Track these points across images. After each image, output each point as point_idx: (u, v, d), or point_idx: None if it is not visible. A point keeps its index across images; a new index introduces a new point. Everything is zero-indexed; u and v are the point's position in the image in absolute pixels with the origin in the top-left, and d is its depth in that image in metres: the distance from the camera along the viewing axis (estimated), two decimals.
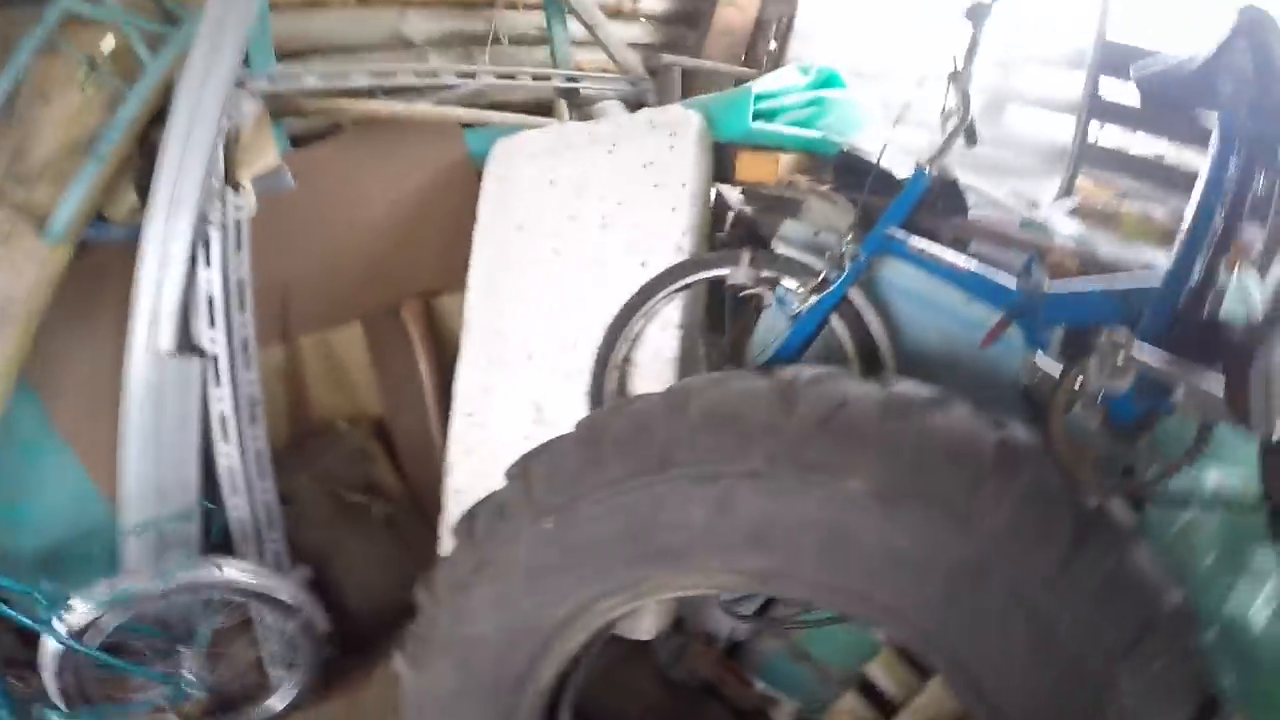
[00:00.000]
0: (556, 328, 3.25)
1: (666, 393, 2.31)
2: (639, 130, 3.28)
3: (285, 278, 3.28)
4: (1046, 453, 1.99)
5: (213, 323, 2.98)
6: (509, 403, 3.28)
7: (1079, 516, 1.93)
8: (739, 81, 4.20)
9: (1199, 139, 3.17)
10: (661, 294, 3.06)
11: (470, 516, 2.46)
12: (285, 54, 3.28)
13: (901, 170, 2.86)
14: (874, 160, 2.91)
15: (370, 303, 3.55)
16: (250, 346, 3.06)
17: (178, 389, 2.95)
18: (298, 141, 3.38)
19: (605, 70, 3.91)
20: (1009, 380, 2.57)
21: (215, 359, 3.00)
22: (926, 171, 2.57)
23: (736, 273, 2.89)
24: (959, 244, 2.70)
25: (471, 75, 3.47)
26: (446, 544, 3.29)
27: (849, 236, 2.69)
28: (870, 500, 1.93)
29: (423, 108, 3.41)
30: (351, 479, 3.39)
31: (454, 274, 3.43)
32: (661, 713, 3.16)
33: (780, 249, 2.98)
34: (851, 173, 3.11)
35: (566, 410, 3.16)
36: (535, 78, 3.66)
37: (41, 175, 2.85)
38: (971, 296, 2.55)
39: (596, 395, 3.11)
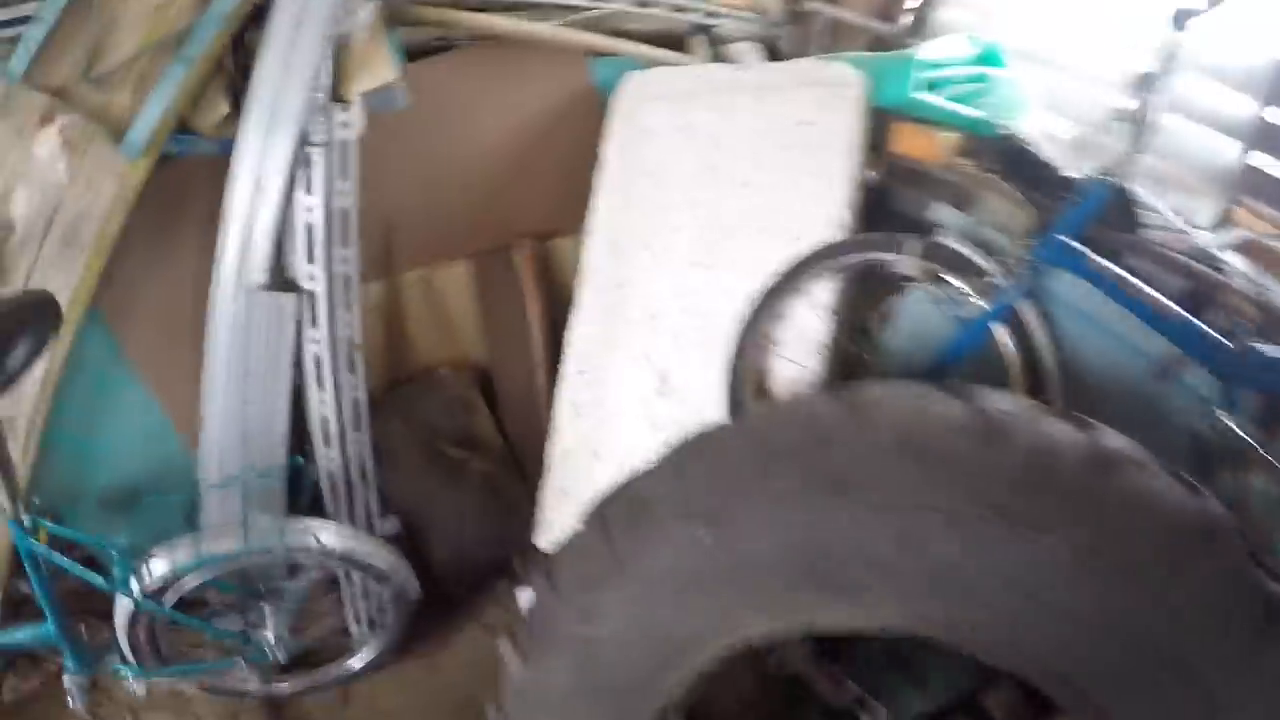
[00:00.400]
0: (687, 290, 2.53)
1: (845, 400, 1.75)
2: (794, 83, 2.52)
3: (388, 207, 2.52)
4: (1239, 529, 1.55)
5: (311, 257, 2.25)
6: (628, 365, 2.56)
7: (1269, 603, 1.51)
8: (878, 39, 3.40)
9: None
10: (817, 271, 2.35)
11: (606, 506, 1.87)
12: None
13: (1069, 168, 2.30)
14: (1041, 152, 2.38)
15: (479, 240, 2.78)
16: (351, 285, 2.34)
17: (269, 329, 2.24)
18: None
19: (739, 7, 3.07)
20: (1176, 424, 2.03)
21: (312, 297, 2.27)
22: (1109, 180, 2.03)
23: (904, 263, 2.23)
24: (1114, 257, 2.09)
25: None
26: (549, 507, 2.65)
27: (1027, 241, 2.13)
28: (1067, 560, 1.52)
29: (551, 28, 2.62)
30: (449, 430, 2.68)
31: (571, 216, 2.68)
32: (760, 710, 2.51)
33: (945, 240, 2.28)
34: (1016, 163, 2.42)
35: (695, 382, 2.47)
36: (673, 8, 2.83)
37: (121, 78, 2.11)
38: (1171, 343, 1.97)
39: (736, 372, 2.40)
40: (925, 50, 2.68)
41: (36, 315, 1.79)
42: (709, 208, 2.53)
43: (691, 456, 1.83)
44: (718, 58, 2.94)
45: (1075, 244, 2.05)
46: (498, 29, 2.53)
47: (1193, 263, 2.16)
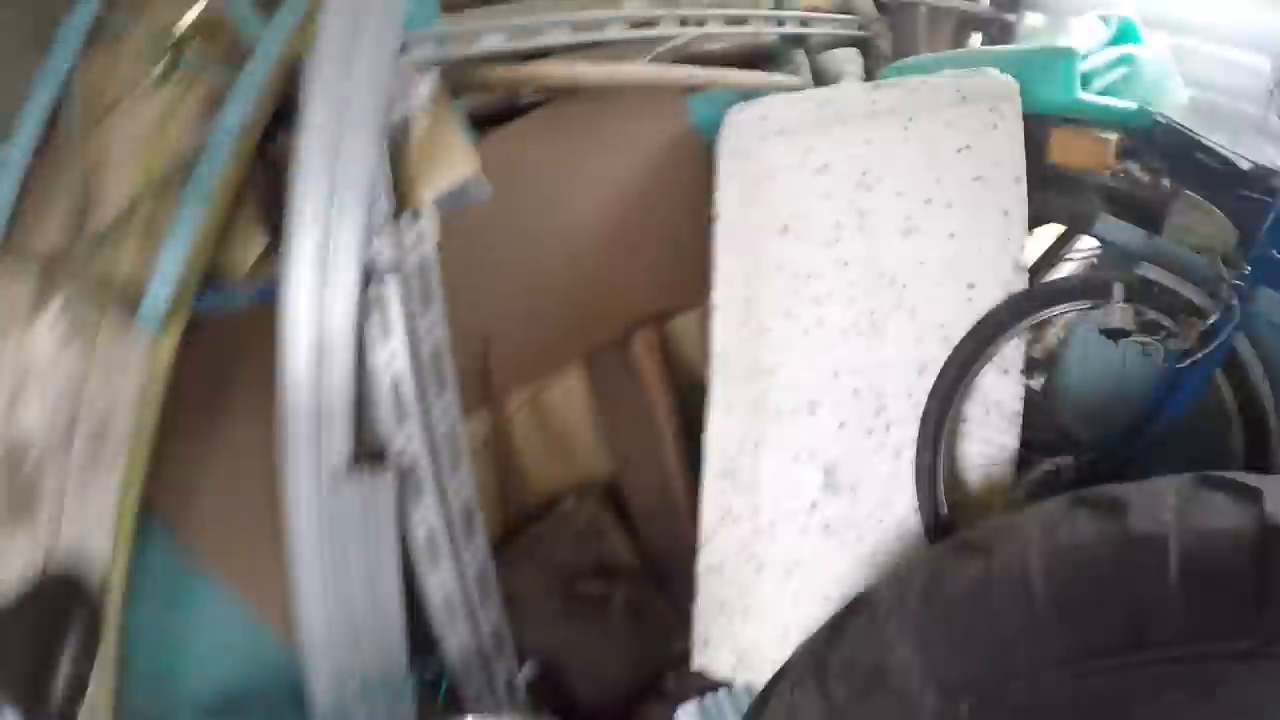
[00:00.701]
0: (847, 367, 1.84)
1: (1110, 522, 1.27)
2: (943, 101, 1.84)
3: (479, 320, 1.79)
4: None
5: (402, 416, 1.54)
6: (784, 463, 1.87)
7: None
8: (966, 21, 2.64)
9: None
10: (1010, 330, 1.68)
11: (822, 670, 1.40)
12: None
13: (1244, 156, 1.66)
14: (1211, 141, 1.70)
15: (588, 339, 2.02)
16: (458, 439, 1.63)
17: (363, 515, 1.52)
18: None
19: (821, 8, 2.29)
20: None
21: (412, 465, 1.57)
22: None
23: (1111, 313, 1.62)
24: None
25: (699, 22, 1.90)
26: (704, 625, 1.95)
27: (1235, 262, 1.57)
28: None
29: (639, 69, 1.88)
30: (583, 563, 2.00)
31: (690, 287, 1.96)
32: None
33: (1154, 276, 1.64)
34: (1185, 159, 1.72)
35: (870, 476, 1.81)
36: (768, 21, 2.05)
37: (123, 230, 1.40)
38: None
39: (927, 463, 1.73)
40: (1071, 40, 1.98)
41: (69, 617, 1.11)
42: (864, 264, 1.83)
43: (931, 609, 1.34)
44: (814, 69, 2.21)
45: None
46: (581, 78, 1.80)
47: None
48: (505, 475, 1.94)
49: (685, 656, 2.02)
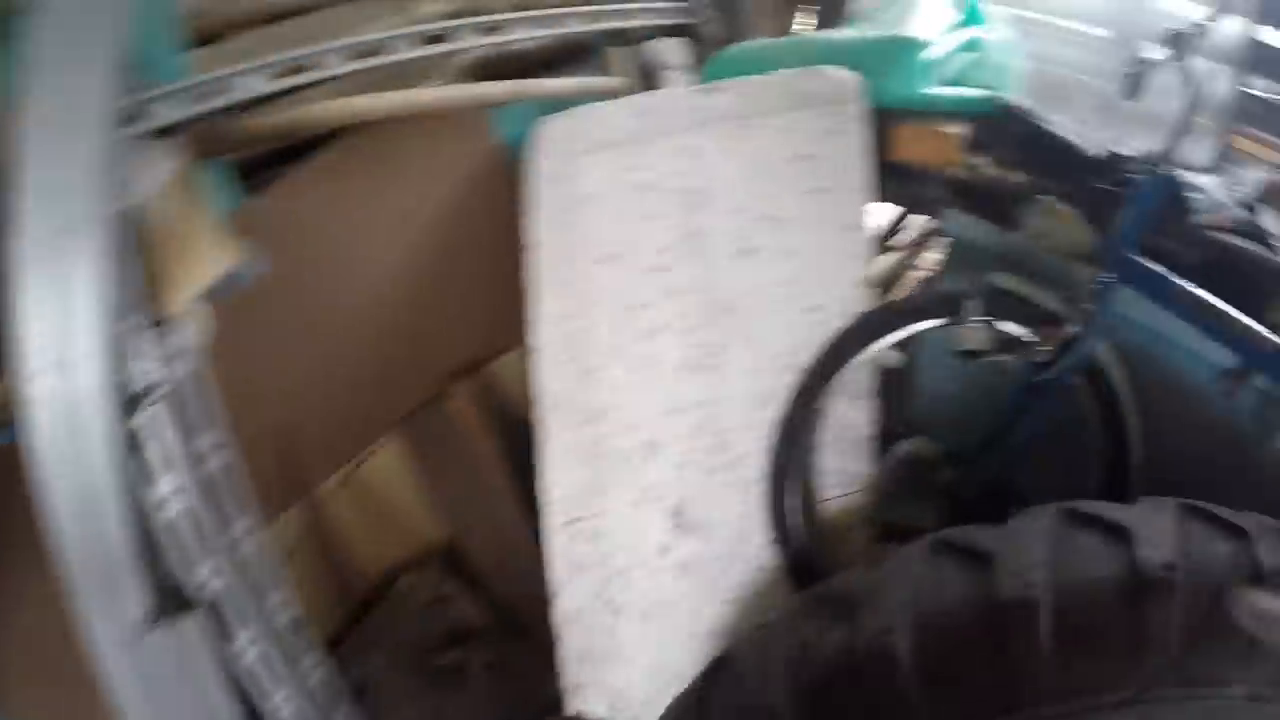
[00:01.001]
0: (683, 404, 1.74)
1: (973, 576, 1.25)
2: (778, 105, 1.71)
3: (277, 413, 1.57)
4: None
5: (200, 552, 1.32)
6: (629, 507, 1.77)
7: None
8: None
9: None
10: (855, 354, 1.63)
11: None
12: None
13: (1096, 143, 1.64)
14: (1063, 130, 1.68)
15: (405, 401, 1.81)
16: (268, 556, 1.42)
17: (176, 661, 1.31)
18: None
19: None
20: (1249, 442, 1.53)
21: (223, 596, 1.36)
22: (1163, 173, 1.46)
23: (967, 334, 1.56)
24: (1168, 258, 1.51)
25: (494, 28, 1.65)
26: (571, 674, 1.84)
27: (1091, 265, 1.50)
28: (1247, 704, 1.14)
29: (427, 94, 1.62)
30: (433, 637, 1.85)
31: (509, 326, 1.76)
32: None
33: (1006, 285, 1.58)
34: (1036, 150, 1.69)
35: (720, 512, 1.76)
36: (586, 18, 1.81)
37: None
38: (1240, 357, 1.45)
39: (783, 499, 1.70)
40: (915, 28, 1.87)
41: None
42: (697, 291, 1.72)
43: (798, 682, 1.28)
44: (637, 64, 2.00)
45: (1143, 261, 1.47)
46: (359, 114, 1.53)
47: (1251, 249, 1.55)
48: (334, 565, 1.74)
49: (559, 702, 1.98)
